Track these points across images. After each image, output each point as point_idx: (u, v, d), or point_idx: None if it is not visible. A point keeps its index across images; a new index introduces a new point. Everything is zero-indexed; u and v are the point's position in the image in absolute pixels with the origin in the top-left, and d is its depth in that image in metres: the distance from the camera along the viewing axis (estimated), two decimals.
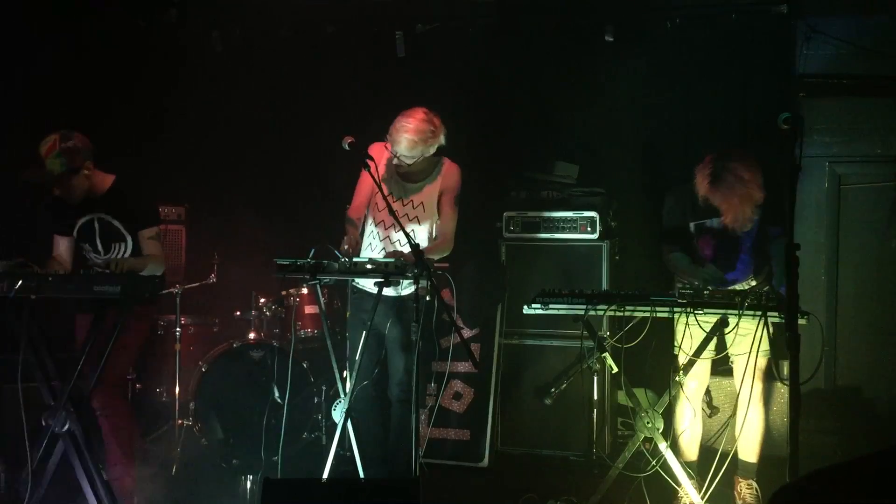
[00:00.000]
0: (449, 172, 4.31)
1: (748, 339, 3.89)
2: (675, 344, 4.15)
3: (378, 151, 4.24)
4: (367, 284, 4.21)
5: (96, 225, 4.17)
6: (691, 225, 4.23)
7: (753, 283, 4.28)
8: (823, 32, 5.46)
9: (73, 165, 4.00)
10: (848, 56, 5.44)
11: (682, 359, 4.08)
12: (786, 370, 3.81)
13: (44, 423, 3.76)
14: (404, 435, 4.33)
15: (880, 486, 1.60)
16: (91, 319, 3.87)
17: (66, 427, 3.74)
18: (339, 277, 3.95)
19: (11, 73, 5.48)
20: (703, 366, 4.29)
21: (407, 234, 3.83)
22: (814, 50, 5.49)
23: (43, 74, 5.54)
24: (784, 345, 3.28)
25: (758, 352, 3.91)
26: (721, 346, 4.25)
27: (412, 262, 3.85)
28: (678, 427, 4.33)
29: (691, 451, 4.32)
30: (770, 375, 4.36)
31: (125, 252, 4.18)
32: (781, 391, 4.87)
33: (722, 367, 4.45)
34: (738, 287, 4.19)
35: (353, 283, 4.25)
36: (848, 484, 1.62)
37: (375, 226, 4.28)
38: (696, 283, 4.10)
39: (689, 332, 4.01)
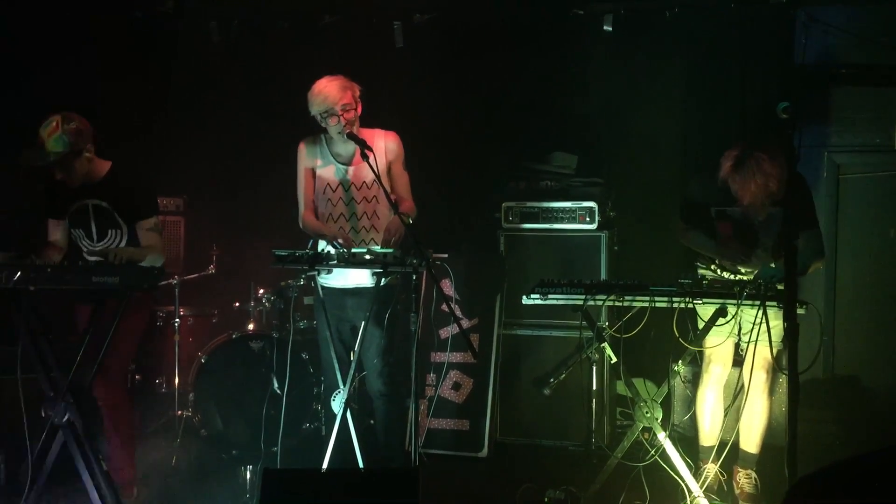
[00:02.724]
0: (389, 141, 4.22)
1: (762, 328, 3.90)
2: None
3: (305, 150, 4.25)
4: (337, 282, 4.19)
5: (91, 211, 4.16)
6: (712, 210, 4.23)
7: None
8: (822, 22, 5.44)
9: (75, 147, 3.99)
10: (847, 45, 5.43)
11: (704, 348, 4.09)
12: (784, 360, 3.81)
13: (43, 415, 3.76)
14: (392, 429, 4.34)
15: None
16: (90, 310, 3.87)
17: (66, 418, 3.74)
18: (339, 268, 3.94)
19: (6, 61, 5.46)
20: (727, 352, 4.29)
21: (396, 210, 3.84)
22: (812, 39, 5.48)
23: (39, 64, 5.52)
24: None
25: (763, 342, 3.92)
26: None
27: (397, 232, 3.89)
28: (700, 411, 4.36)
29: (712, 435, 4.34)
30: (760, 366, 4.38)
31: (121, 240, 4.16)
32: (780, 381, 4.87)
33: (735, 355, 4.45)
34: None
35: (322, 284, 4.20)
36: (868, 476, 1.61)
37: (336, 221, 4.20)
38: (718, 258, 4.11)
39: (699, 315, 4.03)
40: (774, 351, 4.10)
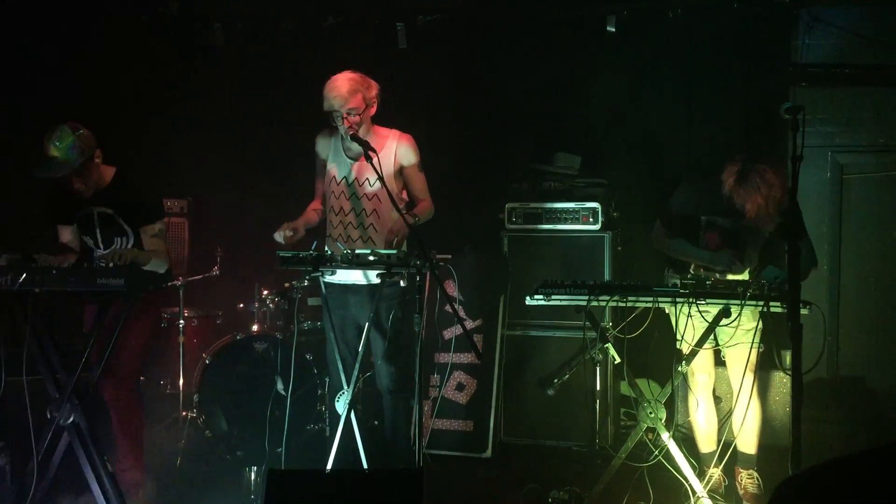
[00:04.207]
0: (402, 144, 4.23)
1: (738, 330, 3.92)
2: (678, 335, 4.16)
3: (320, 142, 4.30)
4: (338, 278, 4.21)
5: (96, 219, 4.15)
6: (702, 219, 4.23)
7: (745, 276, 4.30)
8: (825, 21, 5.45)
9: (89, 153, 3.97)
10: (850, 45, 5.43)
11: (686, 349, 4.09)
12: (788, 360, 3.81)
13: (49, 416, 3.77)
14: (400, 425, 4.35)
15: (888, 480, 1.58)
16: (96, 311, 3.87)
17: (71, 419, 3.75)
18: (343, 269, 3.95)
19: (11, 65, 5.48)
20: (708, 359, 4.30)
21: (398, 209, 3.86)
22: (815, 39, 5.49)
23: (44, 68, 5.54)
24: (786, 335, 3.30)
25: (750, 345, 3.93)
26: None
27: (400, 232, 3.92)
28: (693, 419, 4.38)
29: (710, 441, 4.35)
30: (762, 366, 4.37)
31: (127, 246, 4.15)
32: (784, 381, 4.88)
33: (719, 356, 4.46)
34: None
35: (324, 280, 4.19)
36: (856, 477, 1.60)
37: (336, 214, 4.24)
38: (702, 264, 4.12)
39: (692, 322, 4.02)
40: (755, 353, 4.11)
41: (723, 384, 5.01)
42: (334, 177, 4.24)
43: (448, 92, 5.95)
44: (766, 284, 3.75)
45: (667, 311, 4.18)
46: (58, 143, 3.90)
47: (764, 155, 4.03)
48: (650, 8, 5.62)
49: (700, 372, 4.31)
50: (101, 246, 4.16)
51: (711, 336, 4.08)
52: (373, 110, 4.15)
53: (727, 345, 4.14)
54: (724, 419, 4.43)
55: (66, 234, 4.24)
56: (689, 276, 4.05)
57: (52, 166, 3.91)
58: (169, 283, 5.09)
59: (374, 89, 4.13)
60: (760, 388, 4.36)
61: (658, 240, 4.37)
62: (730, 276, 4.16)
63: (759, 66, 5.54)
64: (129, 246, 4.13)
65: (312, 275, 4.02)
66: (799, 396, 3.21)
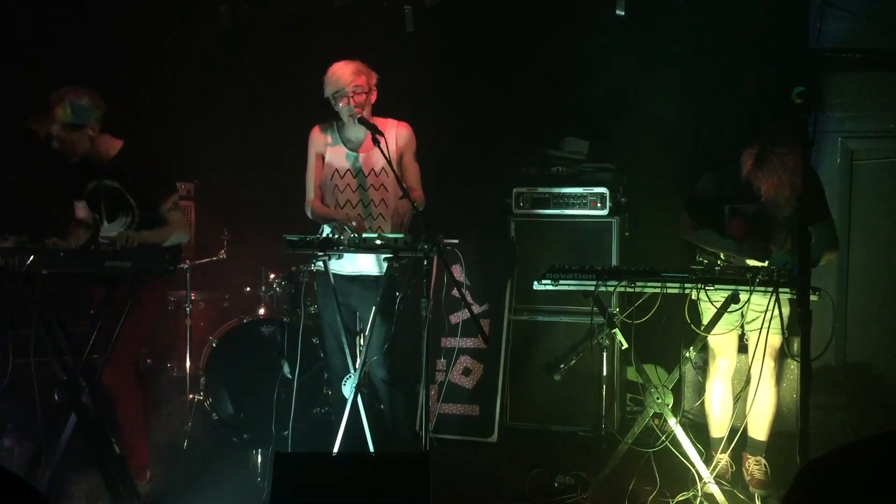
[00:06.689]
0: (402, 130, 4.23)
1: (769, 315, 3.88)
2: (702, 323, 4.13)
3: (317, 135, 4.27)
4: (343, 269, 4.20)
5: (102, 192, 4.08)
6: (726, 207, 4.20)
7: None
8: (838, 6, 5.39)
9: (78, 121, 3.91)
10: (862, 30, 5.38)
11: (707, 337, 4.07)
12: (796, 346, 3.79)
13: (56, 398, 3.77)
14: (400, 415, 4.36)
15: None
16: (104, 293, 3.86)
17: (79, 402, 3.75)
18: (350, 253, 3.94)
19: (15, 45, 5.46)
20: (731, 344, 4.28)
21: (405, 193, 3.84)
22: (828, 24, 5.43)
23: (50, 49, 5.52)
24: (795, 321, 3.28)
25: (769, 329, 3.91)
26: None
27: (405, 214, 3.93)
28: (707, 403, 4.36)
29: (722, 427, 4.34)
30: (783, 354, 4.36)
31: (132, 221, 4.08)
32: (792, 367, 4.86)
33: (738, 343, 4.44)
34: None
35: (332, 270, 4.16)
36: (877, 459, 1.59)
37: (342, 207, 4.20)
38: (730, 253, 4.09)
39: (701, 307, 4.01)
40: (779, 338, 4.08)
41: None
42: (336, 170, 4.20)
43: (456, 76, 5.92)
44: (776, 271, 3.73)
45: (693, 298, 4.14)
46: (52, 100, 3.90)
47: (783, 139, 3.98)
48: None
49: (721, 356, 4.30)
50: (106, 220, 4.12)
51: (736, 319, 4.05)
52: (374, 97, 4.14)
53: (749, 328, 4.11)
54: (732, 403, 4.42)
55: (81, 210, 4.20)
56: (700, 262, 4.02)
57: (41, 121, 3.90)
58: (174, 267, 5.08)
59: (375, 77, 4.15)
60: (776, 376, 4.33)
61: (685, 230, 4.33)
62: (754, 262, 4.13)
63: (771, 51, 5.49)
64: (135, 221, 4.07)
65: (319, 260, 4.00)
66: (807, 383, 3.20)
